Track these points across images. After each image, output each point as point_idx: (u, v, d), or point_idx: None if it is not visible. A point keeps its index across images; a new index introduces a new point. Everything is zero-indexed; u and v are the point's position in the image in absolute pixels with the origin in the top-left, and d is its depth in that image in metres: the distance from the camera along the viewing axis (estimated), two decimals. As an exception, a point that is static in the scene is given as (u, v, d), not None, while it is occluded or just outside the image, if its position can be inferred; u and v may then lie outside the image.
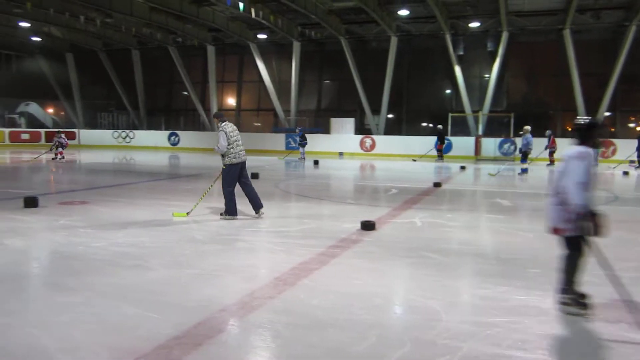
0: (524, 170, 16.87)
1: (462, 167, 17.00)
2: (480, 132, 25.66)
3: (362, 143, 27.05)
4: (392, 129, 28.49)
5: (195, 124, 33.52)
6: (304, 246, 6.28)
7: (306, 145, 23.11)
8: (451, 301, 4.44)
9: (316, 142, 26.18)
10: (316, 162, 20.46)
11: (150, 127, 33.54)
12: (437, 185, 12.99)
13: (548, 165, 20.30)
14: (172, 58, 31.95)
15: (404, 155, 24.75)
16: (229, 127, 8.16)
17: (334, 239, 6.66)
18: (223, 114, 8.72)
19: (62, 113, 37.10)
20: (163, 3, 22.77)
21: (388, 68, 27.10)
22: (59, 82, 36.12)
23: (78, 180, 14.29)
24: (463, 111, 26.48)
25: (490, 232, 7.91)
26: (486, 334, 3.71)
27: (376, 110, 28.14)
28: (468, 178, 16.30)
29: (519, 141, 20.30)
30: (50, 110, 36.64)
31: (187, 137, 30.80)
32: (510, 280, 4.98)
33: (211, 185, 9.15)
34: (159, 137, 31.36)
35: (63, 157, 20.19)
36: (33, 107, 34.25)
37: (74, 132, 33.23)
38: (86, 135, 33.12)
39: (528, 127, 16.81)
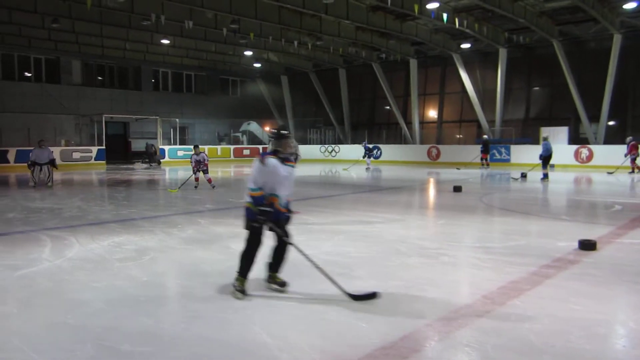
0: (545, 176, 17.53)
1: None
2: None
3: (577, 154, 24.66)
4: (613, 137, 25.45)
5: (397, 137, 34.06)
6: (513, 264, 5.92)
7: (372, 157, 25.99)
8: (698, 339, 3.77)
9: (524, 153, 24.67)
10: (524, 175, 19.17)
11: (354, 141, 35.00)
12: (673, 201, 11.26)
13: (630, 173, 20.53)
14: (375, 74, 32.98)
15: (629, 168, 21.95)
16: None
17: (547, 258, 6.16)
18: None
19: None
20: (368, 22, 23.67)
21: (610, 69, 24.32)
22: (275, 102, 40.05)
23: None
24: None
25: None
26: None
27: (594, 117, 25.46)
28: None
29: None
30: (267, 128, 40.50)
31: (388, 150, 31.44)
32: None
33: None
34: (362, 150, 32.43)
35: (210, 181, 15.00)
36: (253, 126, 38.28)
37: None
38: (298, 150, 35.92)
39: (546, 135, 18.85)
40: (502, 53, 27.75)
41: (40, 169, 15.88)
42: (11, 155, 25.13)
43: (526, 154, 24.58)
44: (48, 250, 6.79)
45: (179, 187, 15.03)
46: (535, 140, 26.28)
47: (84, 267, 5.91)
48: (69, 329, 4.01)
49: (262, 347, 3.63)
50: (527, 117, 29.49)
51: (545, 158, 17.65)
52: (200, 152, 14.82)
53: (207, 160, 14.83)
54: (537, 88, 29.66)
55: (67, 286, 5.19)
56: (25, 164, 16.74)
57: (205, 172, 14.75)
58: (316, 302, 4.64)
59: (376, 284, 5.19)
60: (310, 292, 4.90)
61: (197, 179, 15.04)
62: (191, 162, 14.79)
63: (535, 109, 29.45)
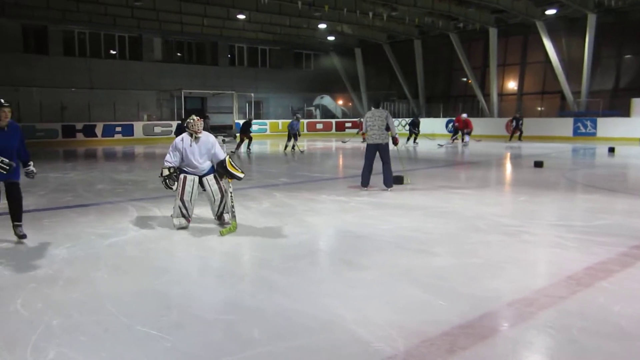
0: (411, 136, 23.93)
1: None
2: None
3: (672, 126, 22.93)
4: None
5: (474, 110, 32.92)
6: (601, 244, 5.61)
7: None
8: None
9: (611, 127, 23.21)
10: (611, 150, 18.11)
11: (428, 114, 34.24)
12: None
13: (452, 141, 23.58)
14: (452, 44, 31.92)
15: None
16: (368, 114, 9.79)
17: (637, 239, 5.80)
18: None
19: (350, 104, 40.59)
20: (446, -10, 22.90)
21: None
22: (348, 75, 39.74)
23: (361, 166, 15.41)
24: None
25: None
26: None
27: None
28: None
29: None
30: (340, 102, 40.42)
31: (465, 124, 30.47)
32: None
33: None
34: (437, 124, 31.78)
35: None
36: (326, 100, 38.26)
37: (361, 122, 36.02)
38: (371, 123, 35.63)
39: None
40: (591, 19, 25.96)
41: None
42: (99, 130, 26.71)
43: (615, 128, 23.11)
44: (135, 220, 7.16)
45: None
46: (624, 113, 24.65)
47: (167, 237, 6.19)
48: (156, 295, 4.22)
49: (340, 320, 3.66)
50: (617, 87, 27.62)
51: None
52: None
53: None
54: (629, 56, 27.63)
55: (153, 255, 5.46)
56: (111, 138, 15.86)
57: None
58: (393, 277, 4.61)
59: (456, 260, 5.09)
60: (387, 268, 4.88)
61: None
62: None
63: (627, 78, 27.48)
